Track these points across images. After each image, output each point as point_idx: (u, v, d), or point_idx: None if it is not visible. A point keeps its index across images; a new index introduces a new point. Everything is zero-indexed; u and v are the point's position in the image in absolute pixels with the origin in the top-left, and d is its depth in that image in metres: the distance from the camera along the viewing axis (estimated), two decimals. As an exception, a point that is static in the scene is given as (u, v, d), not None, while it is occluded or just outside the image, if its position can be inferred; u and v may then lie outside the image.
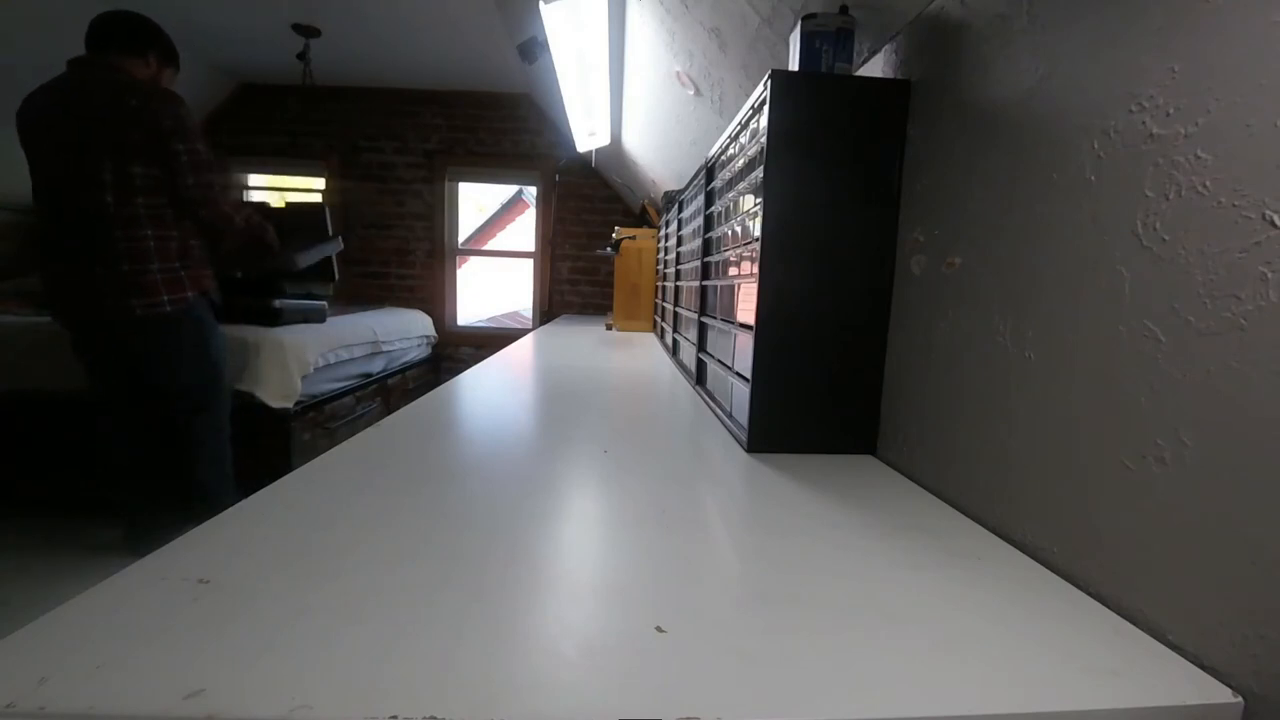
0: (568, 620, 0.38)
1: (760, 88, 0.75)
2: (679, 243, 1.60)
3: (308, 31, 2.92)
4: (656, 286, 2.31)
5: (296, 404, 2.09)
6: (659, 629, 0.37)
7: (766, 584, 0.44)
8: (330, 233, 2.28)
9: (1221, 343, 0.36)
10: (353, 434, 0.81)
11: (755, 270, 0.75)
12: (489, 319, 4.57)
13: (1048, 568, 0.48)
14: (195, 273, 1.67)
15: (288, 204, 3.29)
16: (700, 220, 1.20)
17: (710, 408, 1.02)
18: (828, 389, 0.77)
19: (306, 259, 2.18)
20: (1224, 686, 0.34)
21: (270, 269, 2.13)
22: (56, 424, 2.07)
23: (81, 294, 1.56)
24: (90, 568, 1.74)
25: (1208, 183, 0.37)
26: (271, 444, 2.05)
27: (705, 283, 1.15)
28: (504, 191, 4.77)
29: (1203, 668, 0.36)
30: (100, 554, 1.85)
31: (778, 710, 0.31)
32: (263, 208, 2.77)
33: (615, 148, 3.18)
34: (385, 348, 2.93)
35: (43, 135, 1.53)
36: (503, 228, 4.98)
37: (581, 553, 0.49)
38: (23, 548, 1.89)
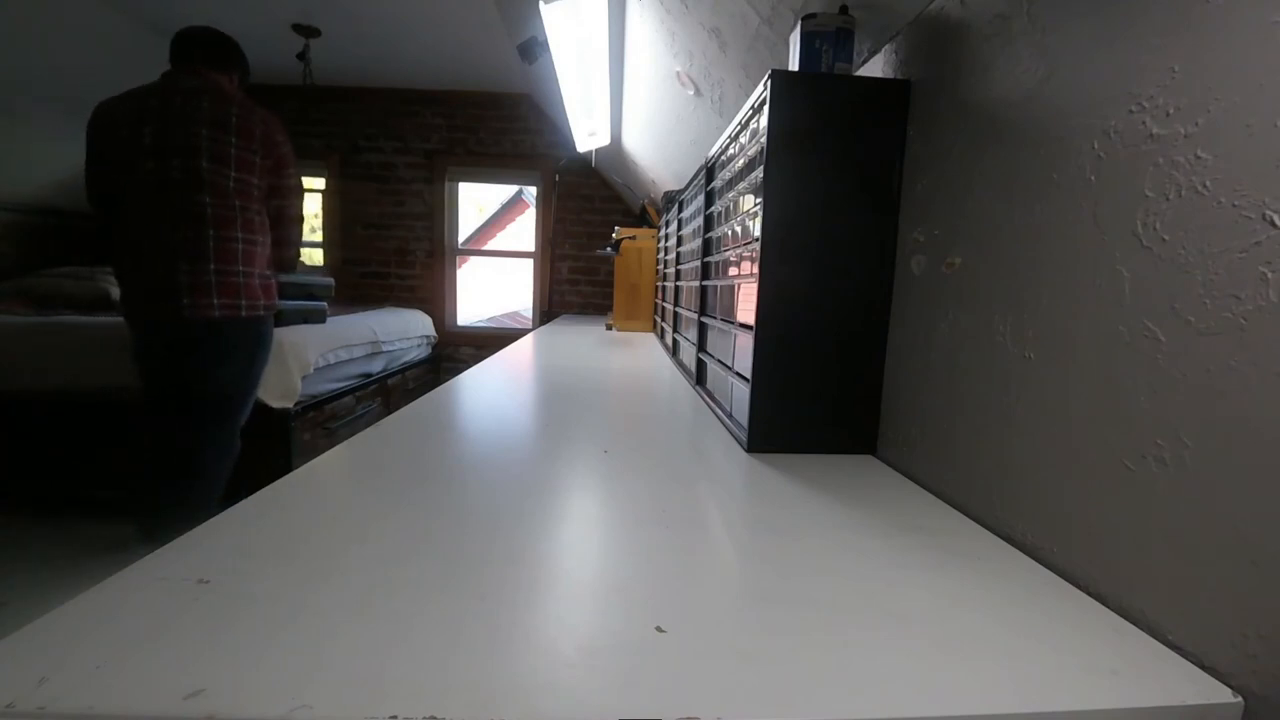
0: (567, 620, 0.38)
1: (760, 88, 0.75)
2: (679, 243, 1.60)
3: (308, 31, 2.91)
4: (656, 286, 2.31)
5: (296, 404, 2.09)
6: (659, 629, 0.37)
7: (766, 584, 0.44)
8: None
9: (1221, 343, 0.36)
10: (353, 434, 0.81)
11: (755, 270, 0.75)
12: (489, 319, 4.57)
13: (1048, 568, 0.48)
14: (270, 284, 1.73)
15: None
16: (700, 220, 1.20)
17: (710, 408, 1.02)
18: (828, 389, 0.77)
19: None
20: (1224, 686, 0.34)
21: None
22: (57, 424, 2.07)
23: (166, 292, 1.54)
24: (90, 568, 1.73)
25: (1208, 183, 0.37)
26: (271, 444, 2.05)
27: (705, 283, 1.15)
28: (504, 191, 4.77)
29: (1203, 668, 0.36)
30: (100, 554, 1.85)
31: (778, 710, 0.31)
32: None
33: (615, 148, 3.18)
34: (385, 348, 2.92)
35: (137, 136, 1.53)
36: (503, 228, 4.98)
37: (581, 553, 0.49)
38: (23, 548, 1.89)
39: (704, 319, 1.15)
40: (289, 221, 1.77)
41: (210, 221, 1.54)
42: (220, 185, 1.54)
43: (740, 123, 0.90)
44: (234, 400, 1.71)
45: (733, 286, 0.93)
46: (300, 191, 1.77)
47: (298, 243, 1.86)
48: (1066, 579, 0.46)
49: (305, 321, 2.30)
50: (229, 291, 1.58)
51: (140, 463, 1.74)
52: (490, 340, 3.92)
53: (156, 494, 1.70)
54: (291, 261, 1.90)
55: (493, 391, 1.14)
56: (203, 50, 1.63)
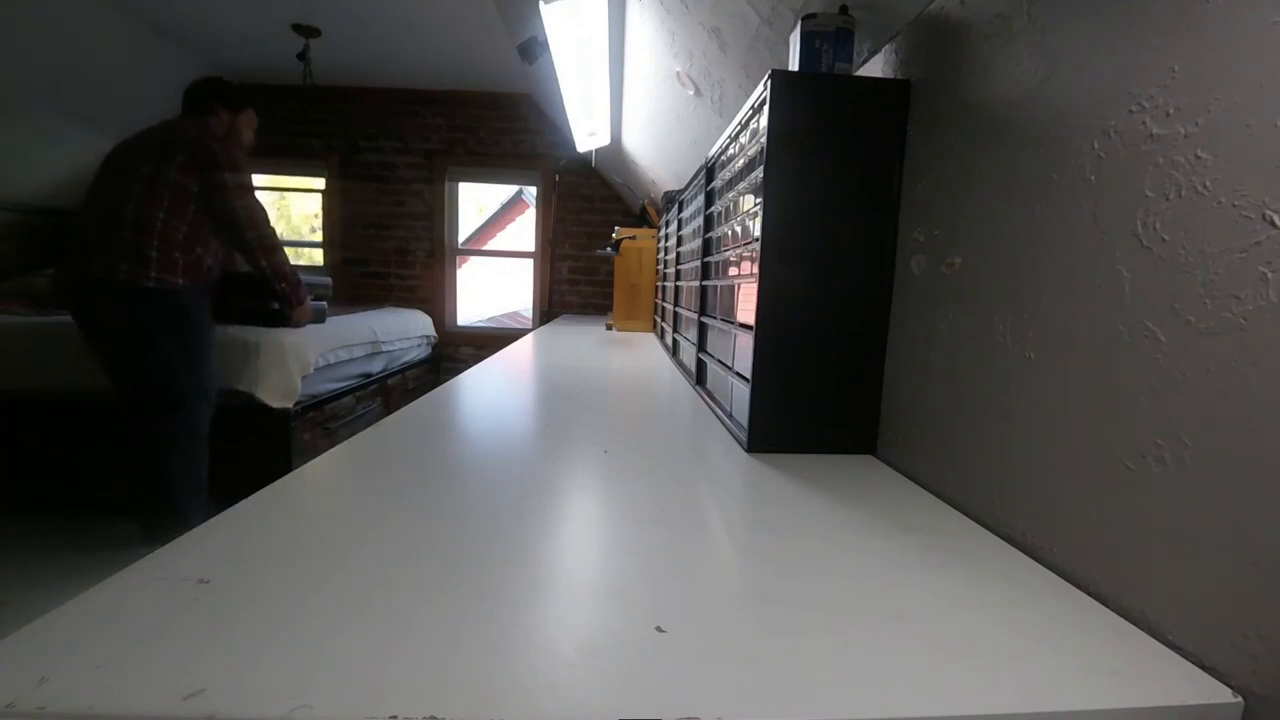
0: (568, 620, 0.38)
1: (760, 88, 0.75)
2: (679, 243, 1.60)
3: (308, 31, 2.91)
4: (656, 286, 2.31)
5: (296, 404, 2.09)
6: (659, 629, 0.37)
7: (766, 584, 0.44)
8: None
9: (1221, 343, 0.36)
10: (353, 434, 0.81)
11: (755, 270, 0.75)
12: (489, 319, 4.57)
13: (1048, 568, 0.48)
14: (190, 267, 1.78)
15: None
16: (700, 220, 1.20)
17: (710, 408, 1.02)
18: (828, 388, 0.77)
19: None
20: (1224, 686, 0.34)
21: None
22: (57, 424, 2.07)
23: (79, 252, 1.69)
24: (90, 568, 1.73)
25: (1208, 183, 0.37)
26: (271, 444, 2.05)
27: (705, 283, 1.15)
28: (504, 191, 4.77)
29: (1203, 668, 0.36)
30: (100, 554, 1.85)
31: (778, 710, 0.31)
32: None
33: (615, 148, 3.18)
34: (385, 348, 2.92)
35: (125, 156, 1.79)
36: (503, 228, 4.98)
37: (581, 553, 0.49)
38: (23, 548, 1.89)
39: (704, 319, 1.15)
40: (228, 224, 1.81)
41: (135, 198, 1.69)
42: (148, 175, 1.72)
43: (740, 123, 0.90)
44: (170, 384, 1.73)
45: (733, 286, 0.93)
46: (238, 191, 1.81)
47: (258, 247, 1.85)
48: (1066, 579, 0.46)
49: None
50: (142, 262, 1.67)
51: (139, 462, 1.75)
52: (490, 340, 3.92)
53: (154, 488, 1.71)
54: (265, 264, 1.89)
55: (493, 392, 1.14)
56: (187, 104, 1.92)
